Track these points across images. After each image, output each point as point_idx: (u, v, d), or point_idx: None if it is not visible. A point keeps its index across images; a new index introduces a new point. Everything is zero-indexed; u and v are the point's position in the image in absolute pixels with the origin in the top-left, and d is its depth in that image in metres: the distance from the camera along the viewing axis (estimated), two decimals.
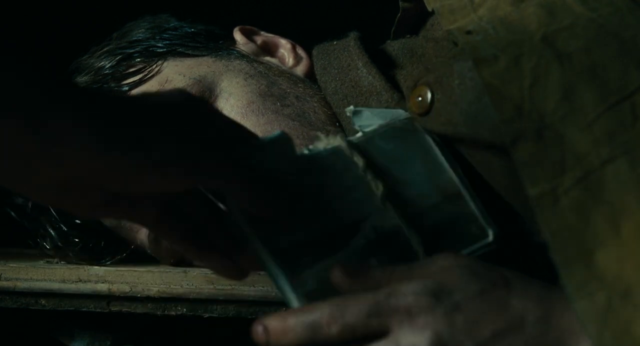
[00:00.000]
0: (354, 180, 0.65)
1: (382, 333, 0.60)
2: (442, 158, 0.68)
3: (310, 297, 0.60)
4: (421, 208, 0.66)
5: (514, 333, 0.59)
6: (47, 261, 0.81)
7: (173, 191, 0.58)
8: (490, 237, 0.67)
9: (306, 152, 0.66)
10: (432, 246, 0.65)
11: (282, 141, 0.64)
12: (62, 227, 0.83)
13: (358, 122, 0.70)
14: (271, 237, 0.61)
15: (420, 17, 0.87)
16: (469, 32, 0.67)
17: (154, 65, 0.85)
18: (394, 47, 0.85)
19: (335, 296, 0.60)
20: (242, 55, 0.89)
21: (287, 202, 0.61)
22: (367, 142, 0.67)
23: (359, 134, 0.68)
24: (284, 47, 0.92)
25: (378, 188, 0.65)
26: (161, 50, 0.87)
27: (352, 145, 0.66)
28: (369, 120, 0.70)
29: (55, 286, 0.75)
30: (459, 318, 0.59)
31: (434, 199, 0.67)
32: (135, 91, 0.83)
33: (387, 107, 0.79)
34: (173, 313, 0.74)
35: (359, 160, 0.66)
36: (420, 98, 0.75)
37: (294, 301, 0.60)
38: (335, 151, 0.65)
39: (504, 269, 0.62)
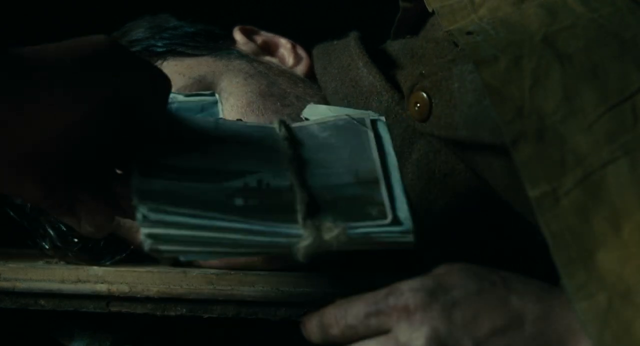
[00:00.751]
0: (267, 147, 0.64)
1: (384, 332, 0.61)
2: (374, 150, 0.64)
3: (147, 197, 0.59)
4: (325, 184, 0.63)
5: (513, 331, 0.60)
6: (47, 262, 0.81)
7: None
8: (388, 220, 0.60)
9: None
10: (314, 210, 0.60)
11: (209, 101, 0.66)
12: (61, 227, 0.83)
13: (306, 114, 0.69)
14: (154, 149, 0.62)
15: (420, 18, 0.87)
16: (469, 33, 0.67)
17: None
18: (394, 47, 0.85)
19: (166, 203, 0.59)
20: (242, 55, 0.89)
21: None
22: (302, 127, 0.67)
23: (299, 123, 0.68)
24: (284, 46, 0.92)
25: (287, 152, 0.63)
26: (161, 49, 0.87)
27: (285, 126, 0.66)
28: (321, 113, 0.69)
29: (55, 286, 0.75)
30: (457, 315, 0.60)
31: (344, 180, 0.63)
32: None
33: (387, 107, 0.79)
34: (173, 313, 0.74)
35: (282, 132, 0.65)
36: (418, 105, 0.75)
37: (132, 196, 0.60)
38: (264, 127, 0.66)
39: (504, 271, 0.63)
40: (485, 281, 0.63)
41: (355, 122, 0.66)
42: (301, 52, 0.91)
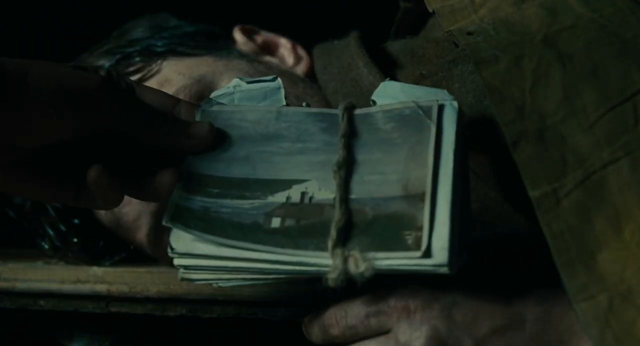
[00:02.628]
0: (324, 144, 0.63)
1: (385, 333, 0.61)
2: (430, 154, 0.59)
3: (181, 217, 0.60)
4: (372, 195, 0.60)
5: (514, 331, 0.60)
6: (46, 262, 0.81)
7: None
8: (419, 253, 0.56)
9: (303, 104, 0.66)
10: (348, 233, 0.58)
11: (271, 88, 0.66)
12: (60, 227, 0.83)
13: (377, 95, 0.65)
14: (202, 159, 0.63)
15: (420, 18, 0.87)
16: (469, 33, 0.66)
17: (153, 65, 0.85)
18: (394, 47, 0.85)
19: (202, 228, 0.59)
20: (242, 55, 0.89)
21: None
22: (367, 115, 0.64)
23: (365, 108, 0.65)
24: (284, 46, 0.92)
25: (340, 154, 0.61)
26: (160, 49, 0.87)
27: (348, 115, 0.64)
28: (392, 95, 0.65)
29: (54, 286, 0.75)
30: (458, 314, 0.60)
31: (393, 192, 0.59)
32: None
33: None
34: (172, 313, 0.74)
35: (342, 125, 0.63)
36: None
37: (166, 213, 0.60)
38: (328, 115, 0.64)
39: (504, 272, 0.63)
40: (486, 281, 0.63)
41: (420, 112, 0.62)
42: (301, 52, 0.91)
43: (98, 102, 0.59)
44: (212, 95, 0.68)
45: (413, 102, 0.63)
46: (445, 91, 0.63)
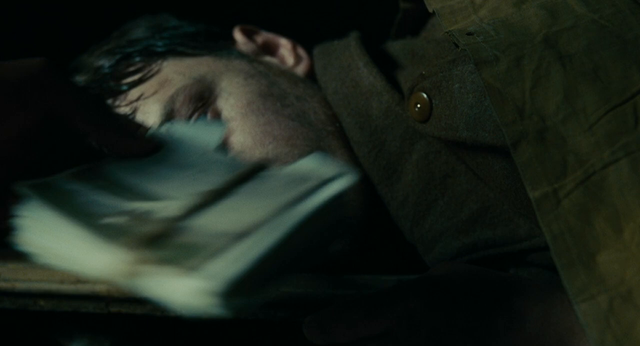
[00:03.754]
0: (215, 179, 0.62)
1: (385, 333, 0.62)
2: (279, 204, 0.56)
3: (42, 189, 0.58)
4: (212, 227, 0.57)
5: (514, 332, 0.60)
6: None
7: None
8: (188, 273, 0.53)
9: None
10: (147, 245, 0.56)
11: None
12: None
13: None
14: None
15: (420, 18, 0.87)
16: (469, 34, 0.66)
17: (154, 65, 0.85)
18: (394, 47, 0.85)
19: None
20: (242, 55, 0.89)
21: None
22: (272, 173, 0.62)
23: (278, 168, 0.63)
24: (285, 46, 0.92)
25: (226, 185, 0.60)
26: (161, 49, 0.87)
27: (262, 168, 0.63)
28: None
29: (54, 287, 0.75)
30: (458, 314, 0.60)
31: (225, 228, 0.56)
32: (134, 90, 0.83)
33: (388, 108, 0.79)
34: (172, 314, 0.73)
35: (238, 173, 0.62)
36: (418, 106, 0.75)
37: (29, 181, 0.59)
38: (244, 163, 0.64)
39: (505, 272, 0.63)
40: (486, 281, 0.63)
41: (314, 174, 0.59)
42: (301, 52, 0.91)
43: (44, 87, 0.58)
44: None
45: (318, 166, 0.60)
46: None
